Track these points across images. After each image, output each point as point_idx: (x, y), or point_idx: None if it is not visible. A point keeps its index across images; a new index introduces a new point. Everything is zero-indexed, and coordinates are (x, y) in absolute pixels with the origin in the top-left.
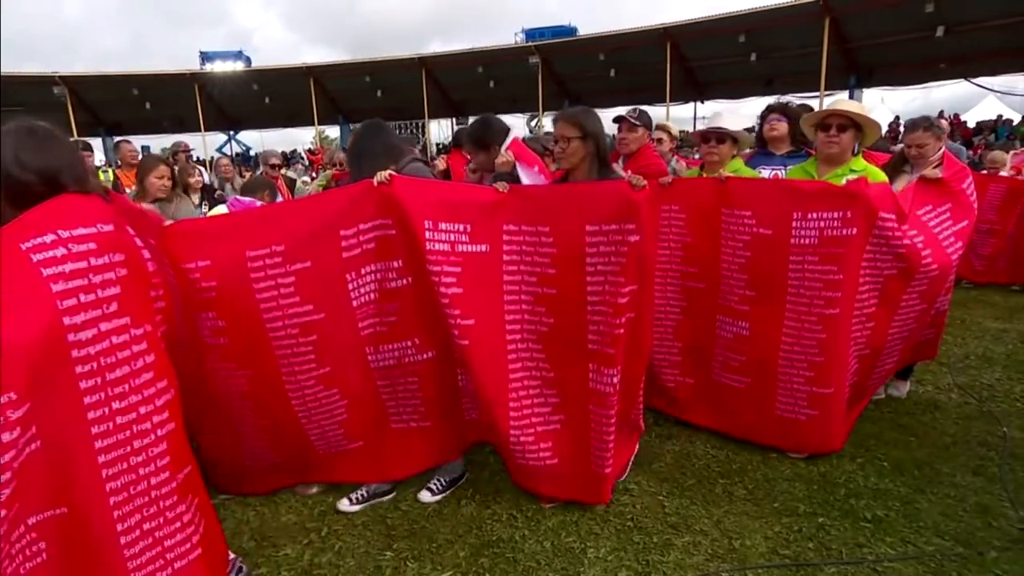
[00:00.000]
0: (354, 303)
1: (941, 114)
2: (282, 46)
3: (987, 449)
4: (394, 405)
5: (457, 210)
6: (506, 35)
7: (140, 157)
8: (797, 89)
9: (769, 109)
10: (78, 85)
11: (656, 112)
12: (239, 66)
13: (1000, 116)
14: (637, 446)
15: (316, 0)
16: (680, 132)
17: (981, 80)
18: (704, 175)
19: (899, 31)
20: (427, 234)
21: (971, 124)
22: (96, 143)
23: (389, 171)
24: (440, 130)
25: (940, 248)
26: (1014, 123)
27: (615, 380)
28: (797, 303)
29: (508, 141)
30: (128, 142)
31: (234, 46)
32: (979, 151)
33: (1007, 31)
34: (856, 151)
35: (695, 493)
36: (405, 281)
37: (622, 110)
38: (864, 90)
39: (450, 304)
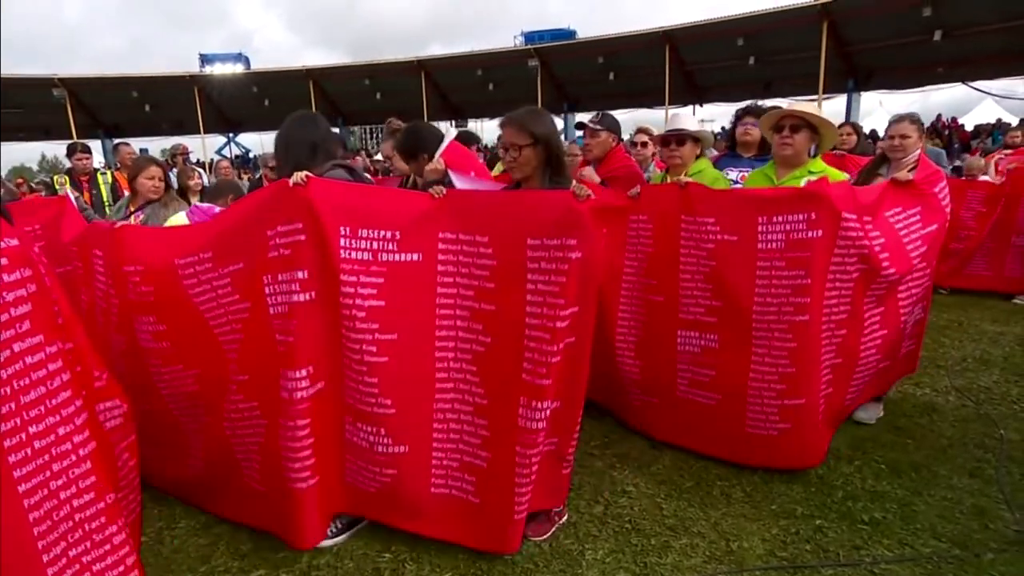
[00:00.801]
0: (271, 310)
1: (939, 117)
2: (283, 48)
3: (984, 451)
4: (285, 454)
5: (383, 216)
6: (507, 39)
7: None
8: (796, 92)
9: (745, 112)
10: (77, 87)
11: (655, 115)
12: (238, 68)
13: (999, 120)
14: (564, 510)
15: (317, 2)
16: None
17: (979, 84)
18: (669, 178)
19: (897, 35)
20: (342, 241)
21: (969, 128)
22: (95, 145)
23: (305, 172)
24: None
25: (902, 251)
26: (1012, 127)
27: (545, 416)
28: (766, 311)
29: (442, 148)
30: (127, 144)
31: (235, 48)
32: (976, 155)
33: (1005, 35)
34: (813, 153)
35: (693, 495)
36: (308, 296)
37: (621, 113)
38: (863, 93)
39: (366, 318)
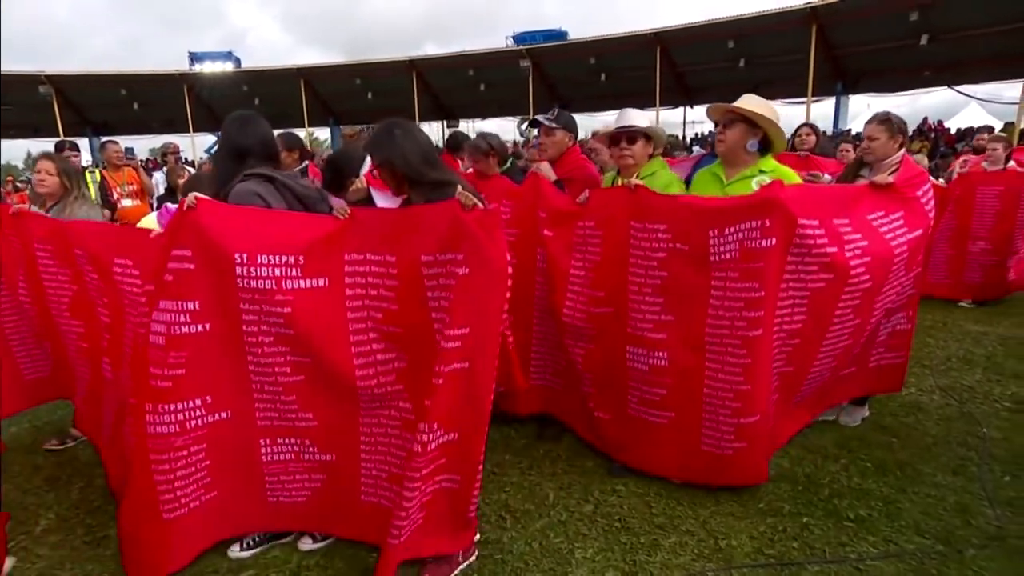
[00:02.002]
0: (150, 338)
1: (925, 120)
2: (278, 48)
3: (967, 449)
4: (168, 488)
5: (284, 241)
6: (503, 40)
7: (125, 157)
8: (785, 95)
9: None
10: (65, 84)
11: (647, 117)
12: (228, 67)
13: (990, 126)
14: (473, 549)
15: (313, 3)
16: (669, 136)
17: (965, 88)
18: (620, 180)
19: (884, 39)
20: (238, 270)
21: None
22: (83, 143)
23: (195, 194)
24: (431, 133)
25: (887, 257)
26: (995, 131)
27: (423, 440)
28: (719, 326)
29: (366, 167)
30: (115, 143)
31: (228, 48)
32: (961, 157)
33: (990, 39)
34: (757, 147)
35: (682, 494)
36: (200, 327)
37: (612, 114)
38: (851, 96)
39: (275, 343)
